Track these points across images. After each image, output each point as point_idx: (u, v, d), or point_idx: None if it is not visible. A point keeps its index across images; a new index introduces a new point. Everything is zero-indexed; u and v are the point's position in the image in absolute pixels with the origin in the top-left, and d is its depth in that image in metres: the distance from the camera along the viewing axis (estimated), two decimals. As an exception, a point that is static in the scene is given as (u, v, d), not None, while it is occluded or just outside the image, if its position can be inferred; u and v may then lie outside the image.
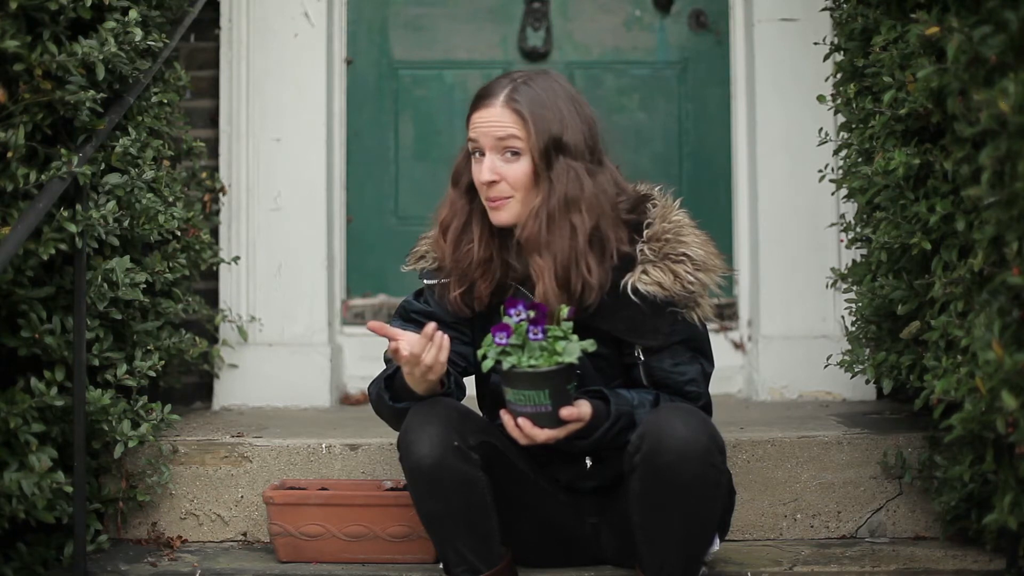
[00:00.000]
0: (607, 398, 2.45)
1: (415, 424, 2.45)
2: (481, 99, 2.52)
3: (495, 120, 2.48)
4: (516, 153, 2.48)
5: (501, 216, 2.51)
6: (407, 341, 2.41)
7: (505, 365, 2.31)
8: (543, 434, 2.36)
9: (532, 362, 2.30)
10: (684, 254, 2.48)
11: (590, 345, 2.34)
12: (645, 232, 2.50)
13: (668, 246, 2.48)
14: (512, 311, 2.32)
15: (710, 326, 2.62)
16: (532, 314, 2.31)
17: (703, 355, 2.56)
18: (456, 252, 2.56)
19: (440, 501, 2.45)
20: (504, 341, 2.30)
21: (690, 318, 2.50)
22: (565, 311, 2.36)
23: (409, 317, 2.65)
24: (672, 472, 2.35)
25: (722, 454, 2.41)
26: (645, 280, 2.46)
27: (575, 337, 2.32)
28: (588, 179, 2.49)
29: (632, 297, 2.47)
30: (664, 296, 2.46)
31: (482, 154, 2.50)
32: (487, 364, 2.32)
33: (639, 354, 2.53)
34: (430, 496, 2.46)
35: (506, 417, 2.39)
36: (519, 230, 2.52)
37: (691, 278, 2.46)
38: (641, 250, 2.49)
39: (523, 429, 2.36)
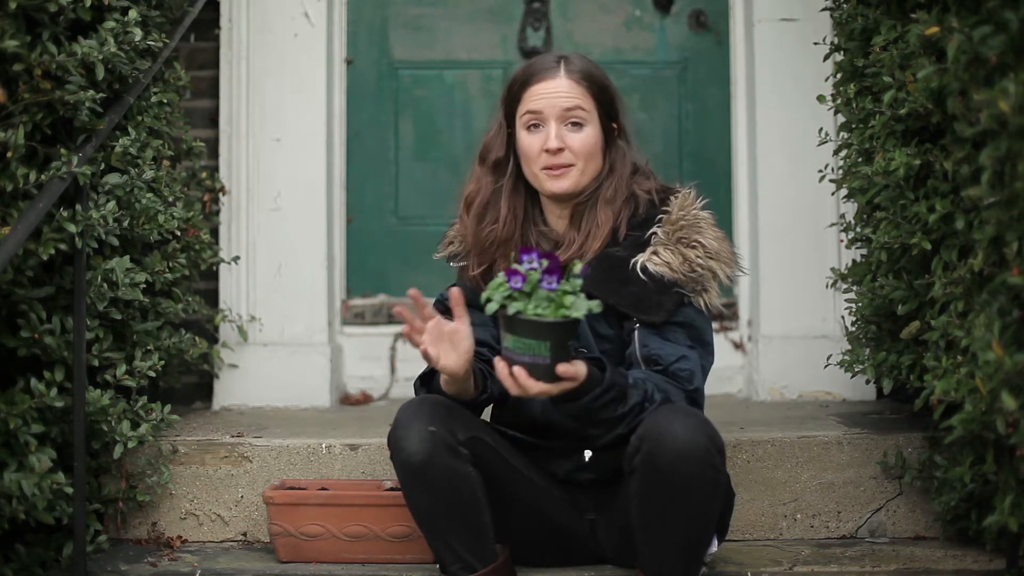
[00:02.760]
0: (604, 366, 2.42)
1: (403, 421, 2.47)
2: (539, 72, 2.60)
3: (562, 91, 2.57)
4: (579, 122, 2.57)
5: (562, 184, 2.58)
6: (427, 336, 2.43)
7: (510, 310, 2.27)
8: (536, 386, 2.31)
9: (538, 311, 2.26)
10: (698, 241, 2.54)
11: (597, 306, 2.31)
12: (662, 218, 2.57)
13: (682, 232, 2.55)
14: (525, 258, 2.29)
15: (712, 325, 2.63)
16: (545, 263, 2.28)
17: (703, 345, 2.56)
18: (478, 228, 2.65)
19: (430, 497, 2.46)
20: (519, 285, 2.27)
21: (696, 303, 2.53)
22: (578, 267, 2.35)
23: (445, 307, 2.64)
24: (672, 473, 2.35)
25: (721, 455, 2.41)
26: (655, 261, 2.53)
27: (583, 296, 2.31)
28: (628, 148, 2.63)
29: (641, 275, 2.52)
30: (672, 277, 2.51)
31: (541, 125, 2.58)
32: (491, 308, 2.28)
33: (636, 324, 2.54)
34: (420, 492, 2.47)
35: (500, 364, 2.33)
36: (597, 188, 2.60)
37: (701, 262, 2.52)
38: (654, 232, 2.56)
39: (517, 378, 2.31)
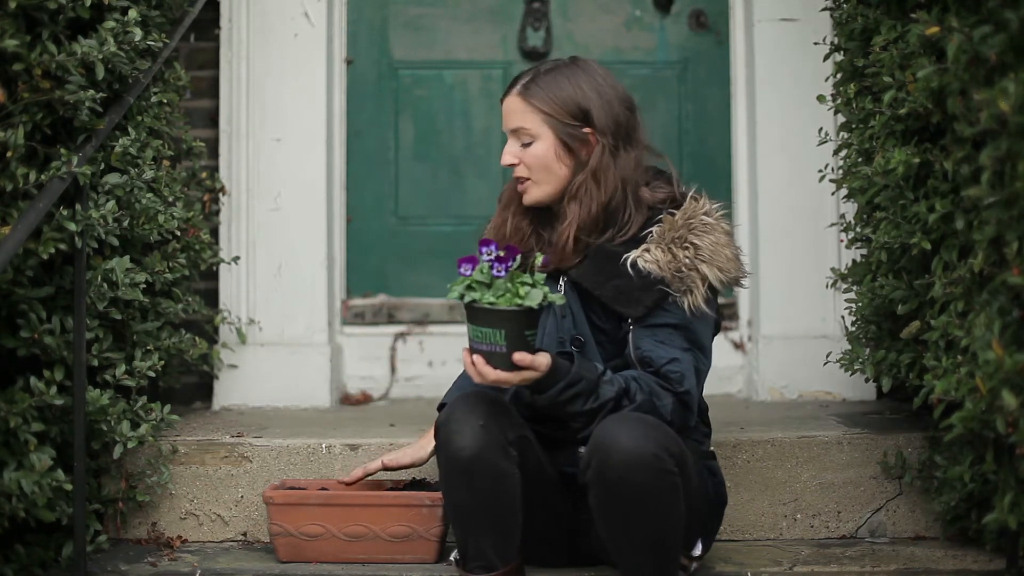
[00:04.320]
0: (573, 359, 2.47)
1: (458, 414, 2.48)
2: (506, 89, 2.70)
3: (509, 110, 2.67)
4: (529, 139, 2.64)
5: (527, 197, 2.68)
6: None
7: (467, 299, 2.37)
8: (493, 374, 2.38)
9: (491, 299, 2.34)
10: (692, 243, 2.56)
11: (559, 298, 2.41)
12: (663, 218, 2.59)
13: (678, 233, 2.57)
14: (484, 250, 2.38)
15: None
16: (502, 253, 2.37)
17: (699, 348, 2.57)
18: (498, 221, 2.76)
19: (472, 494, 2.47)
20: (468, 272, 2.37)
21: (680, 303, 2.54)
22: (539, 260, 2.48)
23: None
24: (623, 484, 2.36)
25: (674, 457, 2.40)
26: (646, 257, 2.56)
27: (545, 288, 2.38)
28: (609, 157, 2.62)
29: (629, 270, 2.55)
30: (658, 274, 2.54)
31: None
32: (451, 295, 2.38)
33: (630, 324, 2.56)
34: (463, 487, 2.47)
35: (464, 354, 2.42)
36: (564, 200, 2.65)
37: (688, 262, 2.54)
38: (651, 232, 2.58)
39: (476, 365, 2.39)
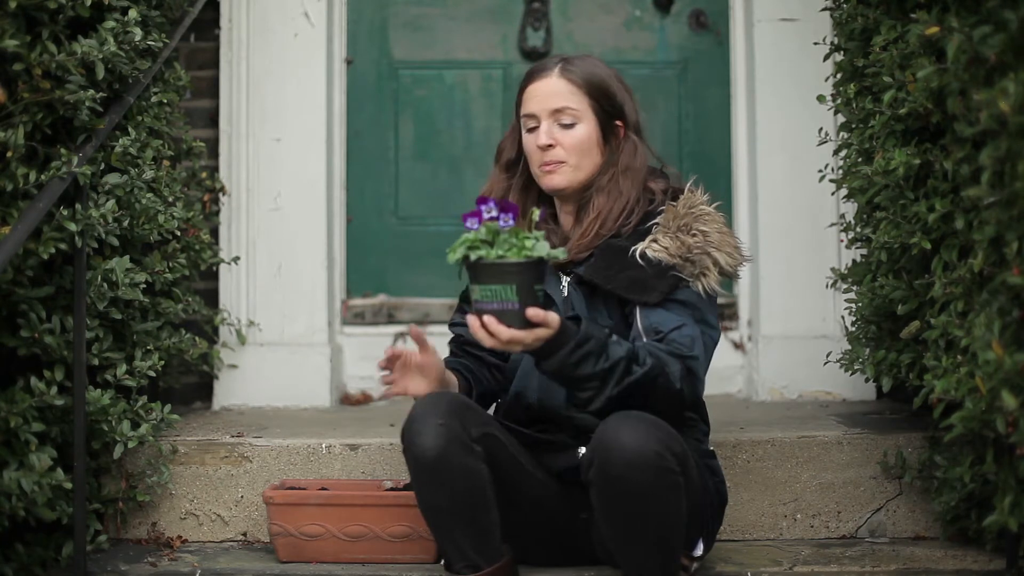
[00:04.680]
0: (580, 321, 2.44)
1: (419, 415, 2.47)
2: (535, 73, 2.68)
3: (552, 91, 2.64)
4: (572, 120, 2.63)
5: (554, 180, 2.65)
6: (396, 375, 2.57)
7: (473, 257, 2.29)
8: (508, 332, 2.31)
9: (500, 253, 2.29)
10: (699, 230, 2.58)
11: (560, 253, 2.36)
12: (664, 210, 2.61)
13: (683, 221, 2.58)
14: (483, 208, 2.32)
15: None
16: (502, 207, 2.32)
17: (704, 323, 2.57)
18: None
19: (440, 493, 2.46)
20: (476, 226, 2.30)
21: (694, 287, 2.56)
22: (536, 215, 2.43)
23: (465, 297, 2.74)
24: (625, 483, 2.35)
25: (676, 456, 2.40)
26: (655, 247, 2.57)
27: (546, 243, 2.33)
28: (634, 154, 2.66)
29: (639, 261, 2.56)
30: (669, 261, 2.55)
31: (537, 124, 2.65)
32: (454, 257, 2.31)
33: (636, 306, 2.57)
34: (432, 488, 2.47)
35: (472, 319, 2.35)
36: (590, 188, 2.65)
37: (700, 247, 2.56)
38: (656, 222, 2.60)
39: (488, 327, 2.32)
